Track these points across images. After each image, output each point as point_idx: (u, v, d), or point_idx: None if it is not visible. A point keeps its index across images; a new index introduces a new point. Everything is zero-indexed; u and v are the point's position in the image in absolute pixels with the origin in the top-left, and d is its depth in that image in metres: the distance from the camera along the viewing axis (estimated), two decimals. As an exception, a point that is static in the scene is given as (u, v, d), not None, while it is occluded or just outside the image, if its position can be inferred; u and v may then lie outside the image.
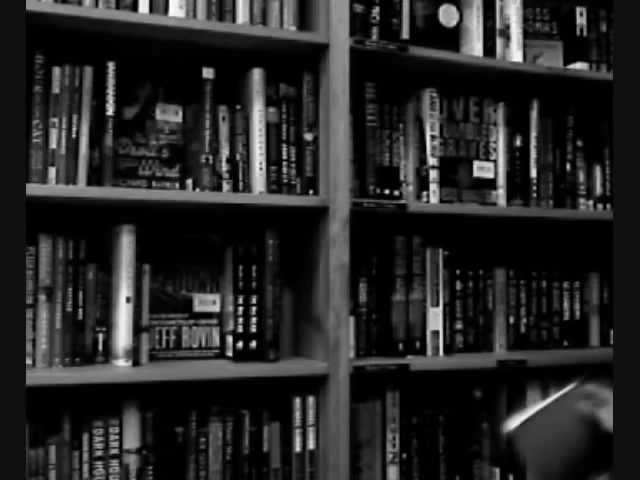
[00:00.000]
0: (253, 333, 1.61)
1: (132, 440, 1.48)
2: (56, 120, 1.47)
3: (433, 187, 1.72)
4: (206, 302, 1.68)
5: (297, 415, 1.59)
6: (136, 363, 1.53)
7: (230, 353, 1.63)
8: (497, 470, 1.76)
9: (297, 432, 1.58)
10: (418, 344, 1.72)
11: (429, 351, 1.73)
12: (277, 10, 1.61)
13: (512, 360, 1.73)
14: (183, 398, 1.54)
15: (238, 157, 1.60)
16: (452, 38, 1.77)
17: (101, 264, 1.54)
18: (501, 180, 1.81)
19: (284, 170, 1.63)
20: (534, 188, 1.84)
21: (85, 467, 1.45)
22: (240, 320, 1.61)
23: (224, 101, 1.60)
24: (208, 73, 1.58)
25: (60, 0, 1.45)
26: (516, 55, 1.81)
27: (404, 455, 1.68)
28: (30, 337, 1.47)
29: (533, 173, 1.84)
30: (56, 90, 1.47)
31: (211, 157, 1.58)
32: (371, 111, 1.69)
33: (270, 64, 1.62)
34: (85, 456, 1.45)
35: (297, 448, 1.58)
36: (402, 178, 1.74)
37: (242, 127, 1.60)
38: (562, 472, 1.33)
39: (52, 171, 1.46)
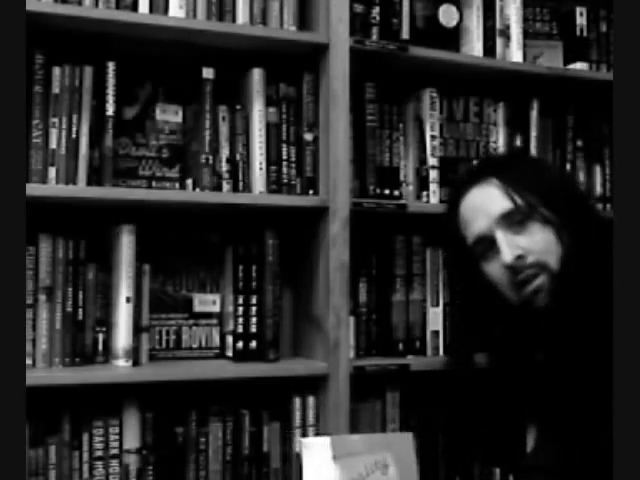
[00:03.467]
0: (253, 333, 1.61)
1: (132, 440, 1.48)
2: (56, 120, 1.47)
3: (433, 187, 1.72)
4: (206, 302, 1.68)
5: (297, 415, 1.59)
6: (136, 363, 1.53)
7: (230, 353, 1.63)
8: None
9: (297, 432, 1.58)
10: (418, 344, 1.72)
11: (429, 351, 1.73)
12: (277, 10, 1.61)
13: (512, 360, 1.73)
14: (183, 398, 1.54)
15: (238, 157, 1.60)
16: (452, 38, 1.77)
17: (101, 264, 1.54)
18: (501, 180, 1.81)
19: (284, 170, 1.63)
20: (534, 188, 1.83)
21: (85, 467, 1.45)
22: (240, 320, 1.61)
23: (224, 101, 1.60)
24: (208, 73, 1.58)
25: (60, 0, 1.45)
26: (516, 55, 1.81)
27: (404, 455, 1.67)
28: (30, 337, 1.47)
29: (533, 173, 1.83)
30: (56, 90, 1.47)
31: (211, 157, 1.58)
32: (371, 111, 1.69)
33: (270, 64, 1.62)
34: (85, 456, 1.45)
35: (297, 448, 1.58)
36: (402, 178, 1.74)
37: (242, 127, 1.60)
38: None
39: (52, 171, 1.46)
